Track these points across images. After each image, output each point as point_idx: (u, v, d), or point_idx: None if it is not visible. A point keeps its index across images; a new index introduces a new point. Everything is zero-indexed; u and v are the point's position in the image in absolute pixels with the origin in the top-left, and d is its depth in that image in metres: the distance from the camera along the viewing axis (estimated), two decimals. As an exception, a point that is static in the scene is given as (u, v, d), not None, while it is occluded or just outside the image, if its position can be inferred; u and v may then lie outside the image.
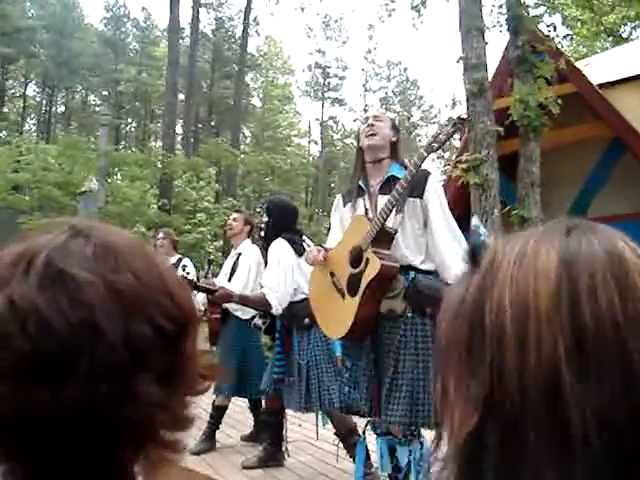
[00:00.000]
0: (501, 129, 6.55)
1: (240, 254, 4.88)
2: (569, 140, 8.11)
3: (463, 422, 0.56)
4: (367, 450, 3.50)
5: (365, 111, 37.04)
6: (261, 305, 3.95)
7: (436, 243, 2.96)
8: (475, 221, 3.89)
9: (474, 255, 0.61)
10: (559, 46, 8.59)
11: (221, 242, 18.70)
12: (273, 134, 35.50)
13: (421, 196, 2.95)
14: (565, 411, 0.52)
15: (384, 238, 2.89)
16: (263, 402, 4.76)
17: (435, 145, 2.81)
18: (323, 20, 36.92)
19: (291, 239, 4.00)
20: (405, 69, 40.03)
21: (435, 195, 3.00)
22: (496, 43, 14.09)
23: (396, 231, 2.91)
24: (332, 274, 3.10)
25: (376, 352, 2.95)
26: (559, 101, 6.75)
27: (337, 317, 3.03)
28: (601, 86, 8.41)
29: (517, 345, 0.54)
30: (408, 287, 2.88)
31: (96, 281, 0.60)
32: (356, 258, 2.93)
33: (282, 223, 4.09)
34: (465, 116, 3.10)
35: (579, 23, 17.79)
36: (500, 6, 7.60)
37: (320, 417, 4.09)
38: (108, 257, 0.62)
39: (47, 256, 0.60)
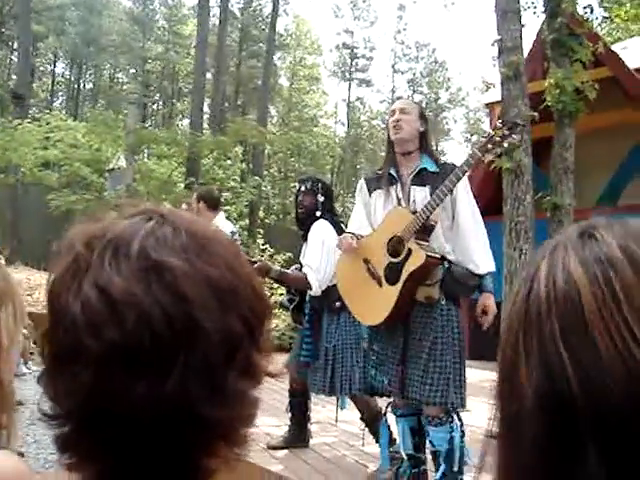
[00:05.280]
0: (536, 114, 6.42)
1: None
2: (602, 125, 7.96)
3: None
4: (390, 431, 3.57)
5: (392, 101, 36.73)
6: (300, 284, 3.96)
7: (463, 238, 3.09)
8: None
9: None
10: (597, 29, 8.38)
11: (247, 221, 18.76)
12: (300, 114, 35.32)
13: (451, 191, 3.04)
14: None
15: (425, 230, 3.02)
16: (289, 384, 4.77)
17: (489, 146, 2.95)
18: (351, 0, 36.53)
19: (332, 221, 4.04)
20: (434, 50, 39.44)
21: (464, 191, 3.14)
22: (529, 25, 13.82)
23: (436, 222, 3.03)
24: (366, 261, 3.16)
25: (407, 336, 3.06)
26: (596, 86, 6.61)
27: (374, 304, 3.11)
28: (638, 70, 8.22)
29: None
30: (444, 276, 3.01)
31: (193, 273, 0.56)
32: (396, 248, 3.04)
33: (331, 204, 4.19)
34: (520, 121, 3.41)
35: (616, 4, 17.31)
36: (537, -13, 7.45)
37: (339, 401, 4.13)
38: (199, 247, 0.59)
39: (140, 244, 0.57)
